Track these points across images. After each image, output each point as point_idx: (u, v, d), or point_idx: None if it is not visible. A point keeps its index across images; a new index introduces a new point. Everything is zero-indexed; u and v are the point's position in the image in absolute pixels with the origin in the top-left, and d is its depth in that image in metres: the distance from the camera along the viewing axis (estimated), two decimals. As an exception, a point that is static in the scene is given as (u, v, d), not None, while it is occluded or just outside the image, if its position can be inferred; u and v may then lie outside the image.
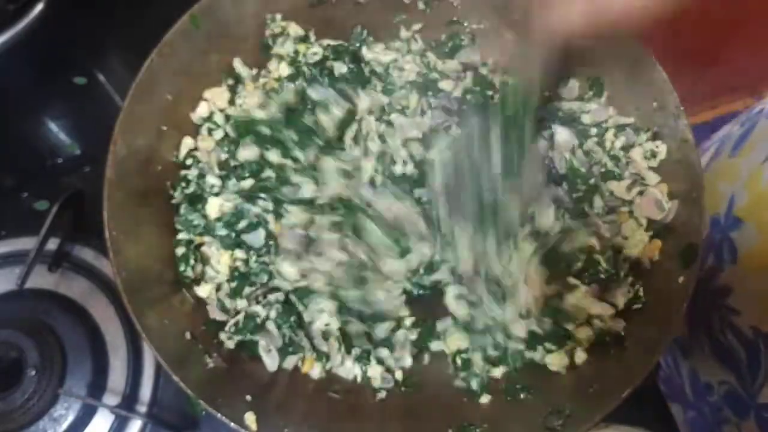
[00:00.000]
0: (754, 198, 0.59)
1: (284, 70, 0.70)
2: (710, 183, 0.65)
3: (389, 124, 0.69)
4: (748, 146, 0.63)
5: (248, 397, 0.57)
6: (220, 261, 0.64)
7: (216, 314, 0.63)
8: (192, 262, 0.64)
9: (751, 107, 0.74)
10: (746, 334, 0.58)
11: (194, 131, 0.68)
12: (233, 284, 0.64)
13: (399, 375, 0.64)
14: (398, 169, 0.67)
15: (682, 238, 0.59)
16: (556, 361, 0.61)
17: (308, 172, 0.65)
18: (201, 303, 0.64)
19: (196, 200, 0.66)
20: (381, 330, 0.64)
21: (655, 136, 0.64)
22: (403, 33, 0.75)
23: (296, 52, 0.71)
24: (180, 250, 0.64)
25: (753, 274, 0.57)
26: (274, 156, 0.65)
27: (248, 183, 0.65)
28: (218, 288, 0.64)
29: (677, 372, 0.71)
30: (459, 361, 0.64)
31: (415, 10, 0.74)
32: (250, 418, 0.55)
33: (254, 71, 0.71)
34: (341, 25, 0.73)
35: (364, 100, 0.68)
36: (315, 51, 0.71)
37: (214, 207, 0.65)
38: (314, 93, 0.67)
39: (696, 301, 0.59)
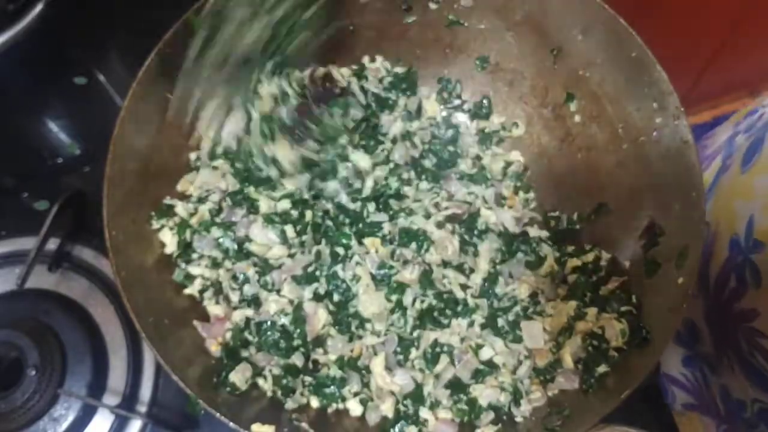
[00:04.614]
0: None
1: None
2: (724, 200, 0.64)
3: None
4: (761, 163, 0.62)
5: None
6: None
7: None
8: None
9: (752, 110, 0.73)
10: None
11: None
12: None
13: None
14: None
15: (681, 239, 0.59)
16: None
17: None
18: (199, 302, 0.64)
19: None
20: None
21: None
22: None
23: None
24: None
25: None
26: None
27: None
28: None
29: (707, 387, 0.70)
30: None
31: (416, 10, 0.74)
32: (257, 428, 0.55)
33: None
34: (342, 25, 0.73)
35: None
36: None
37: None
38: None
39: (721, 322, 0.58)
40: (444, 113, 0.79)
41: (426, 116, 0.78)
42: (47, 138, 0.83)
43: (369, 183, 0.70)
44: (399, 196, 0.71)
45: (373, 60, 0.77)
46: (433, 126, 0.77)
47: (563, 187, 0.74)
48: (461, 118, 0.79)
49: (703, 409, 0.71)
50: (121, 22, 0.85)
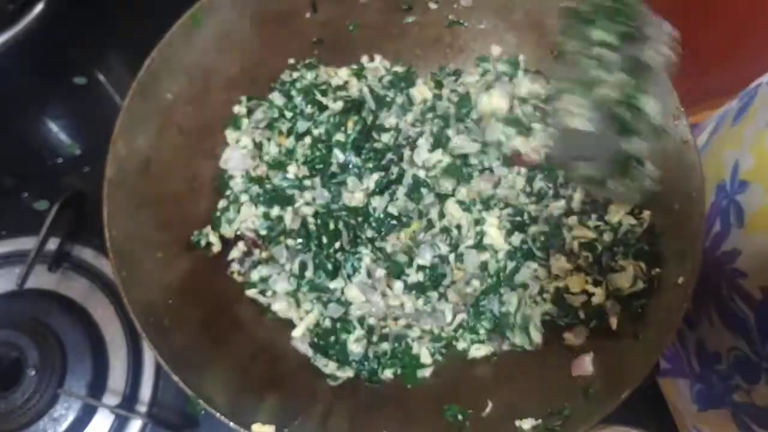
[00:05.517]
0: (759, 160, 0.60)
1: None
2: (714, 153, 0.65)
3: None
4: (750, 114, 0.64)
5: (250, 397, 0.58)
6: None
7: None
8: None
9: (749, 85, 0.74)
10: (754, 296, 0.57)
11: (193, 133, 0.68)
12: None
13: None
14: None
15: (681, 239, 0.59)
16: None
17: None
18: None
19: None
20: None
21: None
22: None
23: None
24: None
25: (761, 234, 0.57)
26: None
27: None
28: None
29: (682, 345, 0.71)
30: None
31: (416, 10, 0.74)
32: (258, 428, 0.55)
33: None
34: (342, 25, 0.74)
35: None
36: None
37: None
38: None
39: (702, 270, 0.59)
40: (436, 90, 0.76)
41: (418, 102, 0.76)
42: (47, 138, 0.83)
43: (375, 176, 0.70)
44: (400, 180, 0.71)
45: (372, 59, 0.77)
46: (429, 109, 0.75)
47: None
48: (455, 98, 0.75)
49: (677, 371, 0.71)
50: (120, 22, 0.85)
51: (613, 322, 0.61)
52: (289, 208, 0.68)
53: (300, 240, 0.67)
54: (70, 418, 0.64)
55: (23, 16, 0.74)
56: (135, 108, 0.61)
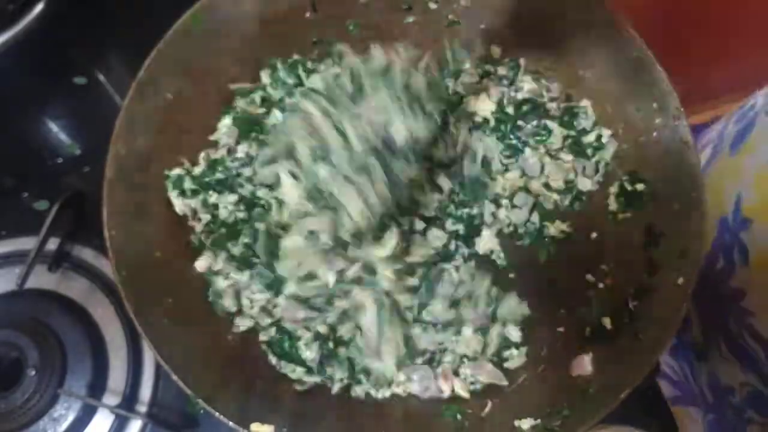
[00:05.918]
0: (763, 198, 0.59)
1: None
2: (714, 183, 0.64)
3: None
4: (749, 144, 0.63)
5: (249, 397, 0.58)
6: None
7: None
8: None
9: (744, 103, 0.73)
10: (765, 337, 0.57)
11: (193, 132, 0.68)
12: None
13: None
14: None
15: (681, 239, 0.59)
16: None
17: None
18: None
19: None
20: None
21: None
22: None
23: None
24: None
25: (766, 275, 0.57)
26: None
27: None
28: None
29: (693, 376, 0.70)
30: None
31: (416, 10, 0.74)
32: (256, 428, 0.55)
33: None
34: (342, 25, 0.74)
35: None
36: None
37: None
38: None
39: (710, 304, 0.59)
40: None
41: None
42: (47, 138, 0.83)
43: None
44: None
45: (372, 59, 0.77)
46: None
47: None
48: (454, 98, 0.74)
49: (689, 400, 0.71)
50: (121, 22, 0.85)
51: (607, 321, 0.61)
52: (228, 196, 0.66)
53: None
54: (70, 418, 0.64)
55: (23, 16, 0.74)
56: (135, 108, 0.61)
